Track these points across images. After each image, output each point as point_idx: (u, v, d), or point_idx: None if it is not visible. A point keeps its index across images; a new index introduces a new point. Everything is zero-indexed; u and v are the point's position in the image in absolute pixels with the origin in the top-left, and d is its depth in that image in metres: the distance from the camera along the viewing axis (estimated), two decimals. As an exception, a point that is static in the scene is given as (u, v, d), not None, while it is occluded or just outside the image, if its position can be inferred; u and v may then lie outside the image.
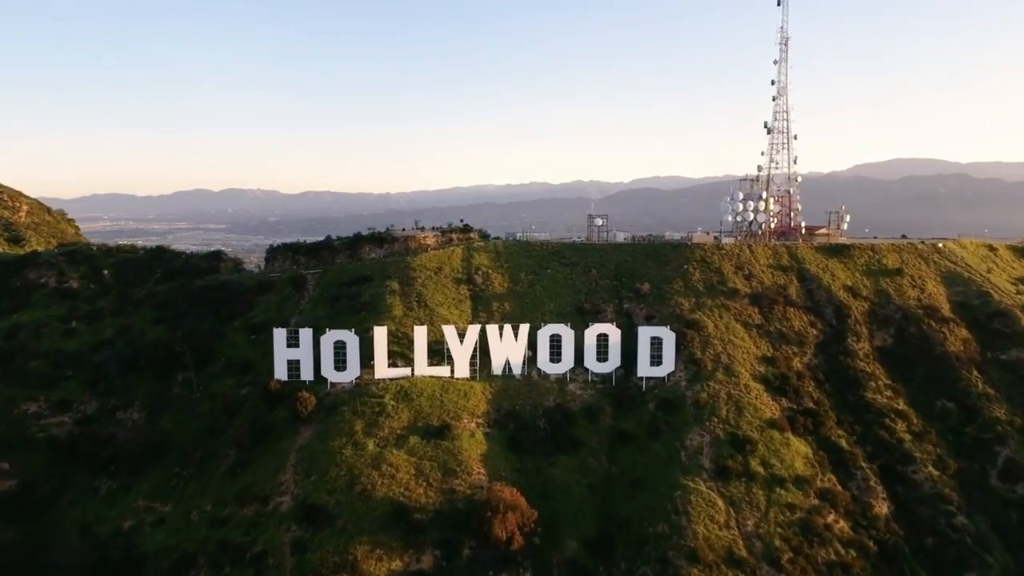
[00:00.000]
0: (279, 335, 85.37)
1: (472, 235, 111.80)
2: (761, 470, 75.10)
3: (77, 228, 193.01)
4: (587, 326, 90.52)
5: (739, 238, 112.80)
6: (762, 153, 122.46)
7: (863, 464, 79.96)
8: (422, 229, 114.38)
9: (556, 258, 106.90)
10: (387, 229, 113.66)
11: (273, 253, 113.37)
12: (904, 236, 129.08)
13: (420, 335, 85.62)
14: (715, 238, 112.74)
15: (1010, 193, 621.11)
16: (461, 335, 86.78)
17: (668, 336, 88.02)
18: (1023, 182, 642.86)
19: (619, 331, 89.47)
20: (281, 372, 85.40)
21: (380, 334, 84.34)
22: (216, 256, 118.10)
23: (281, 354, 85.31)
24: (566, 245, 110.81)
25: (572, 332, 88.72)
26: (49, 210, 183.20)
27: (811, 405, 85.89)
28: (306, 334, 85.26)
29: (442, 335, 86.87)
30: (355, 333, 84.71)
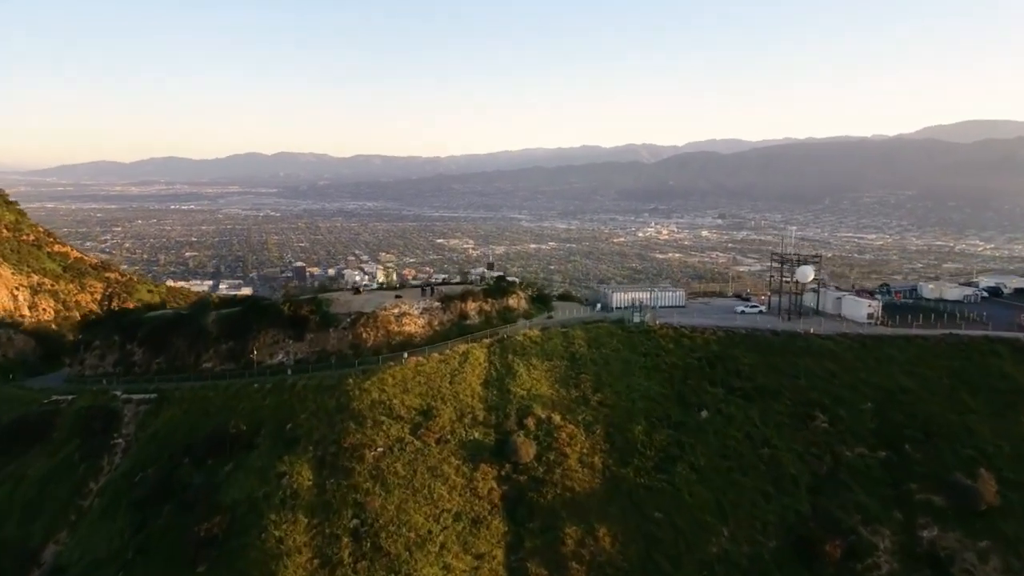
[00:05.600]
0: None
1: (511, 300, 47.64)
2: None
3: (20, 213, 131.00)
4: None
5: None
6: None
7: None
8: (399, 295, 49.32)
9: (719, 375, 43.48)
10: (320, 286, 51.63)
11: (90, 334, 52.65)
12: None
13: None
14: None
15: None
16: None
17: None
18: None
19: None
20: None
21: None
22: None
23: None
24: (742, 338, 45.72)
25: None
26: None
27: None
28: None
29: None
30: None
